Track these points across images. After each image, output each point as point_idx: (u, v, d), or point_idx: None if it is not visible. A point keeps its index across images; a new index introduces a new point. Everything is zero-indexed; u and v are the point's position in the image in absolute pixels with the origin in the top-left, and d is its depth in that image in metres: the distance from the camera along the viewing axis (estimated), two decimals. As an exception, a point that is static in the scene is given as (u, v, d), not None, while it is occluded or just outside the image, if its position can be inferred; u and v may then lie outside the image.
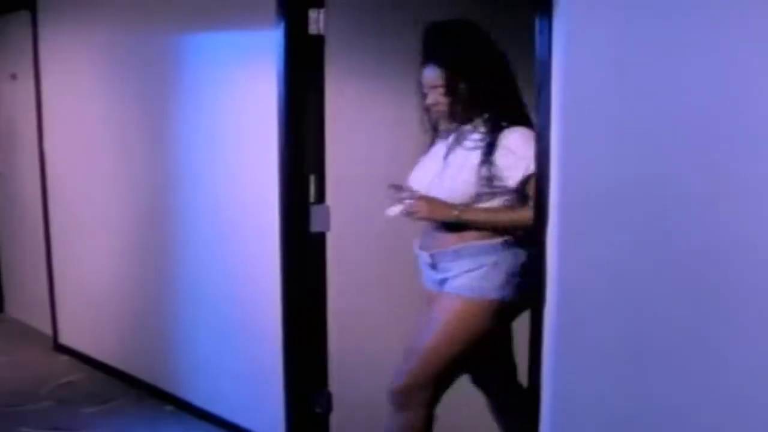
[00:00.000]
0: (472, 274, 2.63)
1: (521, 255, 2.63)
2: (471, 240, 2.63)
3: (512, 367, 2.98)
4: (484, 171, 2.59)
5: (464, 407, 3.04)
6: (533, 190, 2.41)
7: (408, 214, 2.67)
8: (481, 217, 2.63)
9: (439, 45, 2.68)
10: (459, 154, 2.69)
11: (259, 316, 3.57)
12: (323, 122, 3.24)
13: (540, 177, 2.30)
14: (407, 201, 2.69)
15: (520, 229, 2.59)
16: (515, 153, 2.56)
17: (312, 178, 3.24)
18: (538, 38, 2.28)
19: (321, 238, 3.27)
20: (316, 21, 3.20)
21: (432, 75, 2.67)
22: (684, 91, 1.95)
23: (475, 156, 2.62)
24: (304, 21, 3.20)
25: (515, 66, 2.73)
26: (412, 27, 3.22)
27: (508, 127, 2.62)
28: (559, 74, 2.19)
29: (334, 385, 3.39)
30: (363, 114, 3.47)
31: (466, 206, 2.62)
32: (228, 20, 3.55)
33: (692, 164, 1.94)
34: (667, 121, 1.98)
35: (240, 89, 3.53)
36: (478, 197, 2.62)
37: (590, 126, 2.16)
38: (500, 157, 2.58)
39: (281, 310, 3.38)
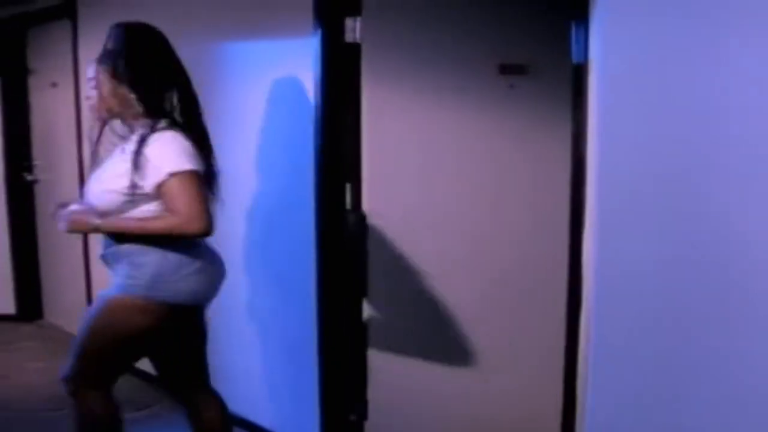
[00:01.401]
0: (122, 274, 2.66)
1: (171, 257, 2.64)
2: (126, 243, 2.65)
3: (201, 369, 3.03)
4: (124, 180, 2.58)
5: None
6: (173, 196, 2.52)
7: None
8: (120, 227, 2.63)
9: (105, 42, 2.72)
10: (110, 160, 2.71)
11: (294, 323, 3.58)
12: (360, 130, 3.25)
13: (576, 179, 2.29)
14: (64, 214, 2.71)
15: (164, 235, 2.59)
16: (151, 161, 2.55)
17: (348, 186, 3.26)
18: (574, 43, 2.27)
19: (358, 244, 3.27)
20: (353, 29, 3.22)
21: (89, 68, 2.74)
22: (720, 93, 1.93)
23: (120, 164, 2.61)
24: (341, 29, 3.23)
25: (550, 70, 2.71)
26: (448, 34, 3.23)
27: (156, 132, 2.61)
28: (597, 77, 2.18)
29: (369, 391, 3.39)
30: (399, 121, 3.47)
31: (106, 216, 2.63)
32: (265, 28, 3.57)
33: (729, 163, 1.92)
34: (704, 122, 1.96)
35: (277, 97, 3.55)
36: (124, 205, 2.62)
37: (627, 127, 2.14)
38: (140, 165, 2.56)
39: (317, 318, 3.39)
